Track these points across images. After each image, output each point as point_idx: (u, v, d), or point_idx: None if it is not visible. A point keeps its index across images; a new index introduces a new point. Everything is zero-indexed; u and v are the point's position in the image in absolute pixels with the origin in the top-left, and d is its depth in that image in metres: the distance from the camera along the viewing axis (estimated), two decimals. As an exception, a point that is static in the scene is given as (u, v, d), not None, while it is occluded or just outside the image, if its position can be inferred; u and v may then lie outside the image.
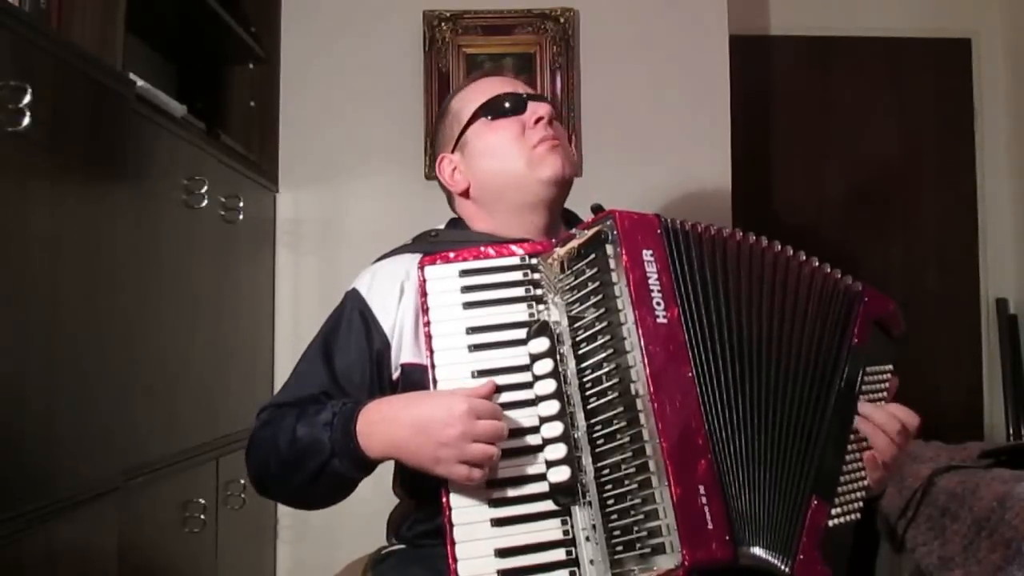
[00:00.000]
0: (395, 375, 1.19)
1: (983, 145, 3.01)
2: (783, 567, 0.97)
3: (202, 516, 1.74)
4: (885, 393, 1.13)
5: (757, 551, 0.96)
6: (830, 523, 1.03)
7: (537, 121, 1.26)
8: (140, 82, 1.53)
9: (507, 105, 1.28)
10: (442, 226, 1.35)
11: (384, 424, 1.06)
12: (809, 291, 1.12)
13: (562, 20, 2.36)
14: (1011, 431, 2.78)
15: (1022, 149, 2.94)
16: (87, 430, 1.34)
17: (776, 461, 1.02)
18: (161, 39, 2.14)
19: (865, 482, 1.08)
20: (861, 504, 1.07)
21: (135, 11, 1.56)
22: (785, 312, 1.09)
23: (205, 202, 1.77)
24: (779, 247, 1.13)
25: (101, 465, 1.39)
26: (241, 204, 1.98)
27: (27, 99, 1.15)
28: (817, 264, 1.14)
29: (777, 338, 1.07)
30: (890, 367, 1.15)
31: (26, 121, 1.15)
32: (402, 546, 1.24)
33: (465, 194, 1.31)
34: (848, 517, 1.05)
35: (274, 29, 2.37)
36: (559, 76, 2.35)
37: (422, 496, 1.17)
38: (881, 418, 1.09)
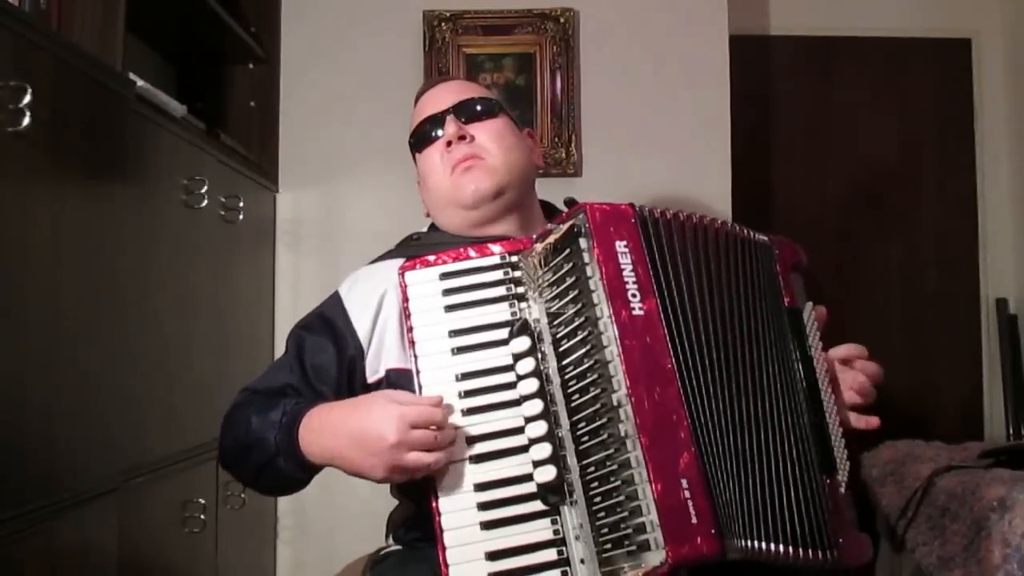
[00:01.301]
0: (374, 379, 1.19)
1: (983, 145, 3.00)
2: (826, 557, 0.97)
3: (202, 516, 1.73)
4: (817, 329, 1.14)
5: (753, 544, 0.95)
6: (842, 490, 1.04)
7: (448, 144, 1.25)
8: (140, 82, 1.53)
9: (426, 133, 1.28)
10: (426, 229, 1.35)
11: (323, 433, 1.07)
12: (739, 261, 1.11)
13: (562, 20, 2.36)
14: (1011, 431, 2.77)
15: (1022, 149, 2.94)
16: (87, 430, 1.34)
17: (770, 449, 1.01)
18: (161, 39, 2.14)
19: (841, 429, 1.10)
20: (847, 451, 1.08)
21: (135, 11, 1.56)
22: (750, 291, 1.09)
23: (205, 202, 1.77)
24: (747, 231, 1.13)
25: (101, 465, 1.39)
26: (241, 204, 1.98)
27: (27, 99, 1.14)
28: (745, 232, 1.13)
29: (749, 319, 1.07)
30: (810, 303, 1.15)
31: (26, 121, 1.14)
32: (401, 547, 1.24)
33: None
34: (846, 472, 1.06)
35: (274, 29, 2.37)
36: (559, 76, 2.35)
37: (420, 499, 1.16)
38: (844, 367, 1.14)
